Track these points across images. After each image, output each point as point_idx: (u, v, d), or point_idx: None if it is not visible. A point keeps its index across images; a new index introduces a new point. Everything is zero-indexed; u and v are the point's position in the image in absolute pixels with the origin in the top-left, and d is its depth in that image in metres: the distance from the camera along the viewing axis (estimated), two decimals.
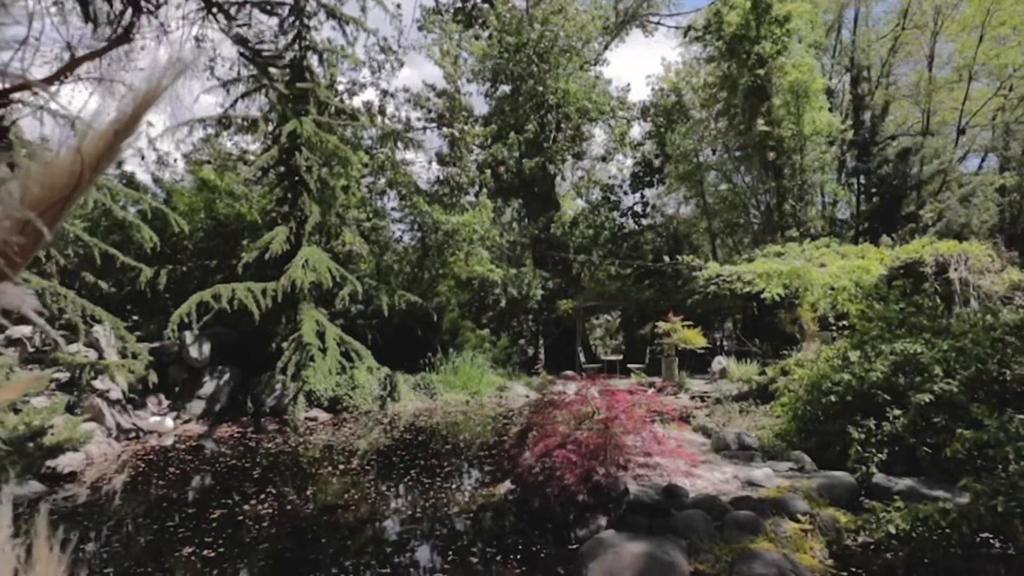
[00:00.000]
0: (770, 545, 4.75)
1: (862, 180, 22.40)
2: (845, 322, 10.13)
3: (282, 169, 13.98)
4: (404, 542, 5.61)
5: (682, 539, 4.75)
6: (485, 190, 21.11)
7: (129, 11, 0.92)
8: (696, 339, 14.39)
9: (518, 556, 4.96)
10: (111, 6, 0.90)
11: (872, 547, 4.93)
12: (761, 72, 19.16)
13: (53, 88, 0.98)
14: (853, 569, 4.58)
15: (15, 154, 0.93)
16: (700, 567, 4.52)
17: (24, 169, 0.96)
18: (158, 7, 0.87)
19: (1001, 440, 4.60)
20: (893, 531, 4.70)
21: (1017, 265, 14.68)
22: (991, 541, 4.75)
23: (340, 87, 19.17)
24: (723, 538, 4.83)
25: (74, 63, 0.95)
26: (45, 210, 0.98)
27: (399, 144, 17.78)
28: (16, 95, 0.88)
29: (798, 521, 5.16)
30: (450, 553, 5.20)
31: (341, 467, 8.23)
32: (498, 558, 4.96)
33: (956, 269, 13.61)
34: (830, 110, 21.96)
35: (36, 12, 0.84)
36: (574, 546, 5.00)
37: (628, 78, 46.62)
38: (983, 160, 24.52)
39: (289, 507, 6.46)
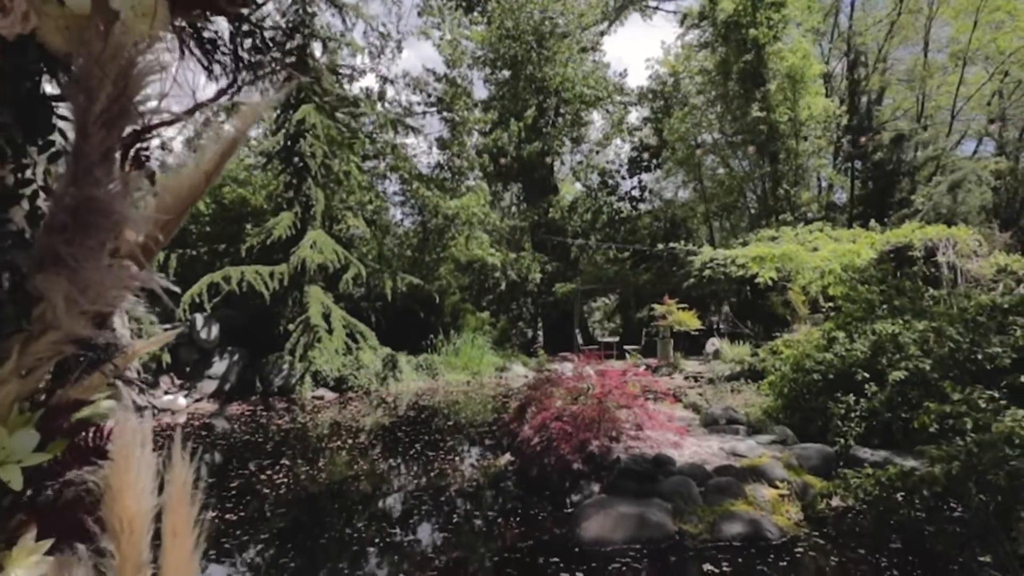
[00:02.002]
0: (749, 508, 5.16)
1: (857, 165, 22.64)
2: (831, 304, 10.49)
3: (288, 156, 14.25)
4: (411, 508, 6.02)
5: (668, 503, 5.16)
6: (482, 174, 21.38)
7: (234, 67, 1.25)
8: (690, 321, 14.77)
9: (517, 518, 5.38)
10: (221, 65, 1.23)
11: (844, 511, 5.36)
12: (756, 58, 19.32)
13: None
14: (825, 530, 5.00)
15: (155, 172, 1.27)
16: (684, 527, 4.93)
17: (160, 183, 1.32)
18: (257, 64, 1.18)
19: (961, 412, 5.00)
20: (862, 495, 5.11)
21: (1011, 248, 15.03)
22: (952, 505, 5.16)
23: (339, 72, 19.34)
24: (706, 502, 5.24)
25: (198, 105, 1.29)
26: (177, 212, 1.34)
27: (399, 129, 18.02)
28: (157, 130, 1.25)
29: (776, 487, 5.56)
30: (455, 516, 5.62)
31: (349, 441, 8.65)
32: (499, 520, 5.37)
33: (944, 253, 13.97)
34: (827, 95, 22.14)
35: (173, 73, 1.20)
36: (569, 510, 5.41)
37: (629, 60, 46.56)
38: (979, 144, 24.72)
39: (303, 477, 6.88)
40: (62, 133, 1.20)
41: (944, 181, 19.07)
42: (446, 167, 21.05)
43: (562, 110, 22.98)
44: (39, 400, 1.24)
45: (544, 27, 20.94)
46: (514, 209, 25.80)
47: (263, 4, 1.19)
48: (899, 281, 8.69)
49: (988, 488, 4.59)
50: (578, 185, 26.19)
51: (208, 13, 1.18)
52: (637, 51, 44.66)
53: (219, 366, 12.58)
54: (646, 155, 23.76)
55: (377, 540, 5.15)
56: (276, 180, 15.16)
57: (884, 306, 8.37)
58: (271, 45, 1.20)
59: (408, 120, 18.93)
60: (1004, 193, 21.80)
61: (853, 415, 6.83)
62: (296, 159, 14.04)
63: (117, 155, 1.22)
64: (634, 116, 25.75)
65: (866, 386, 6.95)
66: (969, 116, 23.51)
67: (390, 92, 20.47)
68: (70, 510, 1.25)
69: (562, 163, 25.74)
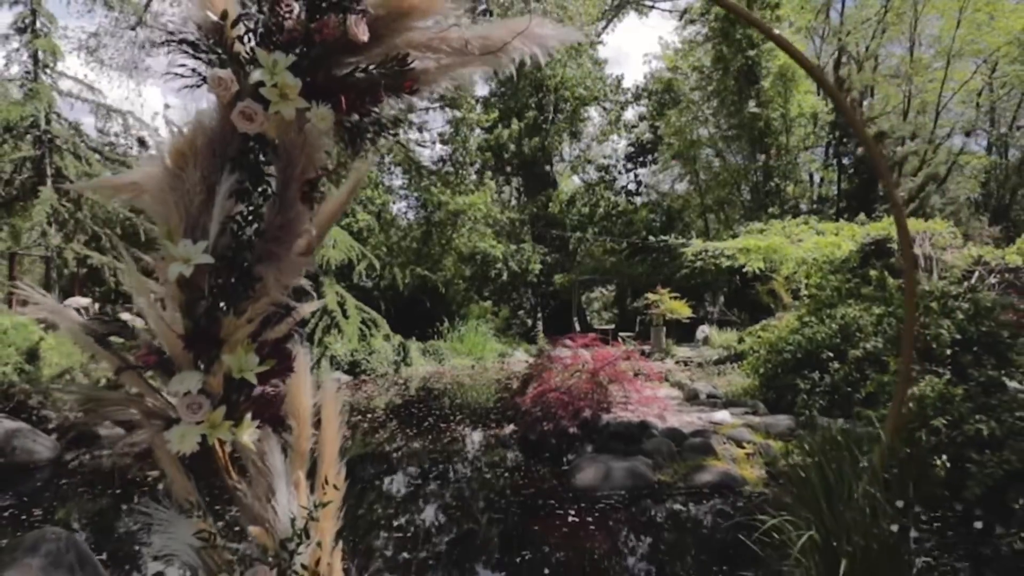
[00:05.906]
0: (718, 463, 6.07)
1: (844, 161, 23.45)
2: (808, 292, 11.36)
3: None
4: (428, 469, 6.92)
5: (650, 459, 6.06)
6: (488, 172, 22.20)
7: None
8: (681, 309, 15.64)
9: (520, 473, 6.29)
10: (357, 139, 2.08)
11: (798, 467, 6.25)
12: (752, 54, 20.12)
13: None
14: (781, 481, 5.90)
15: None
16: (662, 478, 5.84)
17: (319, 206, 2.19)
18: (370, 140, 2.00)
19: (896, 380, 5.89)
20: (811, 452, 6.01)
21: (999, 241, 15.88)
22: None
23: None
24: (682, 458, 6.15)
25: (340, 164, 2.15)
26: (325, 227, 2.21)
27: (403, 126, 18.81)
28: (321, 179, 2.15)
29: (743, 448, 6.47)
30: (466, 473, 6.53)
31: (369, 416, 9.56)
32: (505, 475, 6.28)
33: (920, 245, 14.84)
34: (818, 92, 22.91)
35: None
36: (565, 468, 6.31)
37: (627, 53, 47.17)
38: (967, 138, 25.51)
39: None
40: (268, 183, 2.07)
41: (922, 175, 19.91)
42: (449, 162, 21.88)
43: (561, 107, 23.78)
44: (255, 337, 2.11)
45: None
46: (514, 203, 26.63)
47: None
48: (865, 271, 9.56)
49: (914, 445, 5.49)
50: (576, 179, 27.00)
51: (353, 114, 2.04)
52: (639, 44, 45.31)
53: None
54: (642, 151, 24.56)
55: (401, 491, 6.06)
56: None
57: (852, 294, 9.25)
58: (385, 127, 2.06)
59: (411, 116, 19.72)
60: (993, 187, 22.63)
61: (817, 390, 7.73)
62: None
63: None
64: (631, 113, 26.55)
65: (830, 364, 7.85)
66: (958, 111, 24.28)
67: None
68: (270, 402, 2.14)
69: (561, 158, 26.55)
